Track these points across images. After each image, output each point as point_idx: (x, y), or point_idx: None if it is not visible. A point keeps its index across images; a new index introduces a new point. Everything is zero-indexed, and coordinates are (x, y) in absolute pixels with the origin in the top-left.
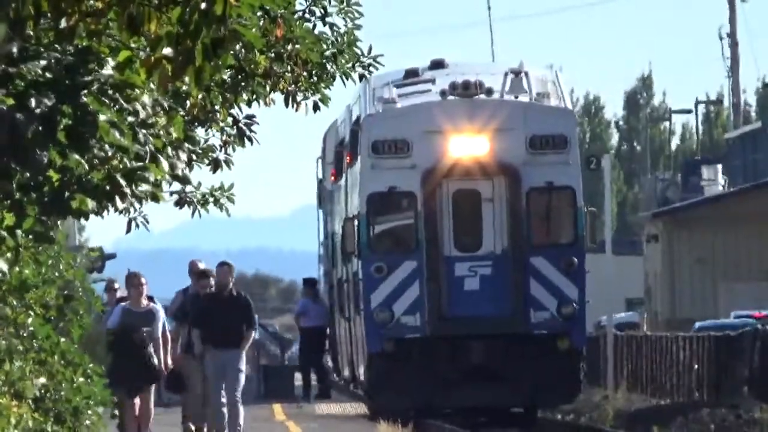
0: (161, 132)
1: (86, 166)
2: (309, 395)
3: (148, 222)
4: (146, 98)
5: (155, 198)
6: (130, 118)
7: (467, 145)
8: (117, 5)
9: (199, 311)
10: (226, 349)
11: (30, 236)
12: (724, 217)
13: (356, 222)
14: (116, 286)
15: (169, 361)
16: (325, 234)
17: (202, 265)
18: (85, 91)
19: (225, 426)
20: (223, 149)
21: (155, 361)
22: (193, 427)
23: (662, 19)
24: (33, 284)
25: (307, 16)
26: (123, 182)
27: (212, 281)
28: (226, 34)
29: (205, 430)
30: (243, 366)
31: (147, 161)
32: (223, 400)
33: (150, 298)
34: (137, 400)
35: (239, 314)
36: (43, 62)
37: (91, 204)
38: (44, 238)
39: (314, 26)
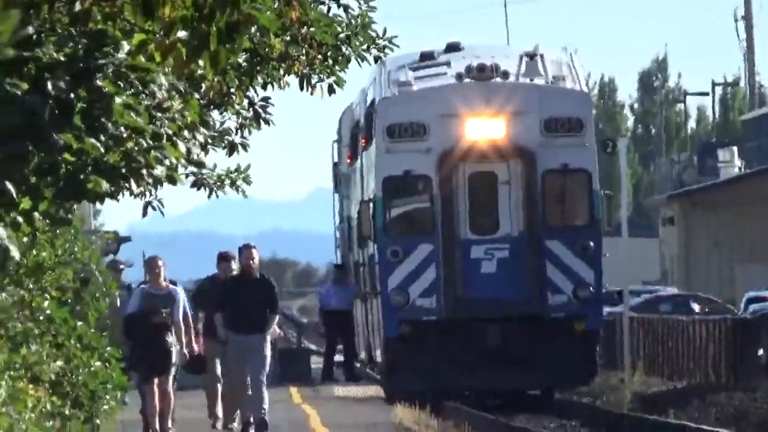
0: (176, 116)
1: (102, 149)
2: (329, 377)
3: (163, 206)
4: (163, 79)
5: (172, 180)
6: (146, 102)
7: (483, 128)
8: None
9: (221, 294)
10: (250, 334)
11: (46, 219)
12: (741, 199)
13: (372, 205)
14: (121, 267)
15: (194, 346)
16: (341, 217)
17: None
18: (100, 74)
19: (249, 409)
20: (239, 132)
21: (172, 347)
22: (220, 414)
23: (678, 1)
24: (49, 267)
25: None
26: (141, 160)
27: (234, 265)
28: (241, 17)
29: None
30: (268, 350)
31: (163, 142)
32: (248, 383)
33: (173, 282)
34: (156, 388)
35: (263, 297)
36: (57, 46)
37: (106, 186)
38: (60, 221)
39: (329, 9)
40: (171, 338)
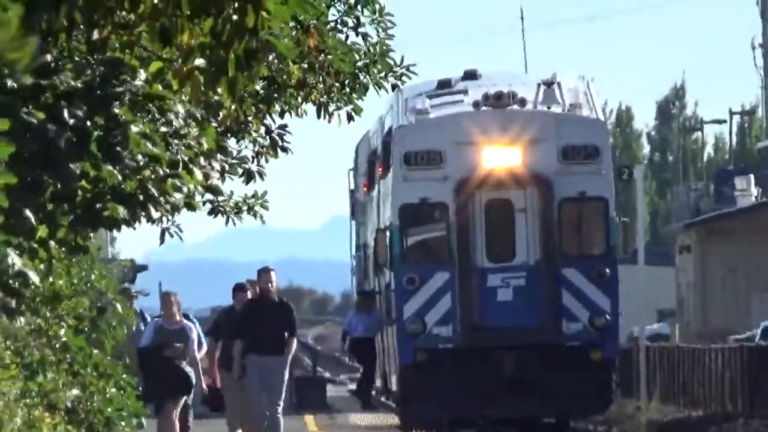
0: (193, 143)
1: (119, 177)
2: (366, 403)
3: (181, 231)
4: (180, 107)
5: (190, 206)
6: (163, 128)
7: (500, 156)
8: (149, 17)
9: (241, 320)
10: (270, 357)
11: (63, 248)
12: (757, 228)
13: (388, 233)
14: (133, 293)
15: (214, 379)
16: (358, 245)
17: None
18: (117, 102)
19: None
20: (255, 160)
21: (189, 372)
22: None
23: (695, 29)
24: (66, 295)
25: (339, 26)
26: (155, 191)
27: (249, 294)
28: (259, 45)
29: None
30: (286, 376)
31: (180, 170)
32: (263, 410)
33: (186, 316)
34: (164, 417)
35: (281, 320)
36: (75, 73)
37: (123, 213)
38: (77, 249)
39: (347, 37)
40: (187, 367)
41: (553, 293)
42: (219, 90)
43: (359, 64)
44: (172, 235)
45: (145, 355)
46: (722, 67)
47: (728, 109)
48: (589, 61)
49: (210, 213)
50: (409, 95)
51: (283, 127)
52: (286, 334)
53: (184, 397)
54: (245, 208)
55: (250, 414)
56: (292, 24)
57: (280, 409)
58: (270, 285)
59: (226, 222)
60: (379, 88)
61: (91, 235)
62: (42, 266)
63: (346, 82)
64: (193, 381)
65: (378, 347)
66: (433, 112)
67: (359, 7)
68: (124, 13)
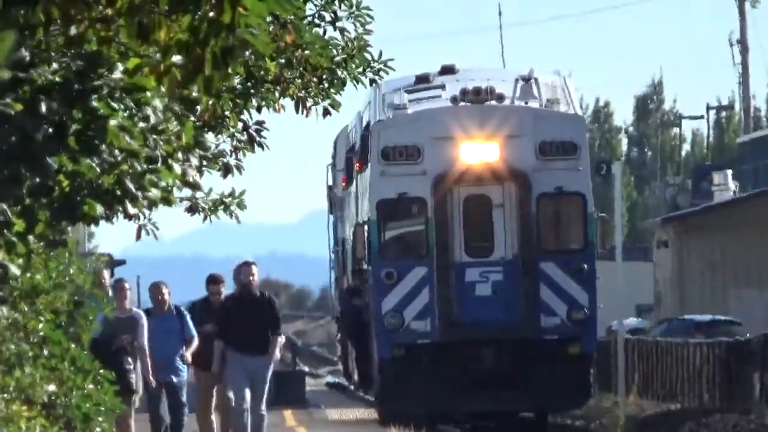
0: (172, 138)
1: (97, 171)
2: None
3: (158, 229)
4: (157, 102)
5: (167, 202)
6: (141, 124)
7: (478, 151)
8: (126, 13)
9: (221, 318)
10: (254, 356)
11: (41, 242)
12: (735, 223)
13: (366, 228)
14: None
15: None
16: (336, 240)
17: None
18: (95, 96)
19: None
20: (233, 155)
21: (131, 374)
22: None
23: (673, 25)
24: (44, 290)
25: (316, 21)
26: (133, 186)
27: (223, 288)
28: (235, 43)
29: None
30: (269, 375)
31: (158, 165)
32: (246, 406)
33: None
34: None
35: (264, 317)
36: (53, 67)
37: (100, 209)
38: (55, 243)
39: (324, 31)
40: (130, 365)
41: (531, 288)
42: (195, 86)
43: (337, 59)
44: (148, 233)
45: (93, 349)
46: (700, 63)
47: (705, 105)
48: (567, 57)
49: (187, 210)
50: (387, 90)
51: (260, 123)
52: (269, 332)
53: (133, 398)
54: (222, 207)
55: (231, 411)
56: (268, 19)
57: (263, 406)
58: (252, 278)
59: (204, 219)
60: (357, 83)
61: (69, 229)
62: (20, 260)
63: (324, 76)
64: (134, 385)
65: (354, 341)
66: (411, 107)
67: (336, 2)
68: (101, 7)
